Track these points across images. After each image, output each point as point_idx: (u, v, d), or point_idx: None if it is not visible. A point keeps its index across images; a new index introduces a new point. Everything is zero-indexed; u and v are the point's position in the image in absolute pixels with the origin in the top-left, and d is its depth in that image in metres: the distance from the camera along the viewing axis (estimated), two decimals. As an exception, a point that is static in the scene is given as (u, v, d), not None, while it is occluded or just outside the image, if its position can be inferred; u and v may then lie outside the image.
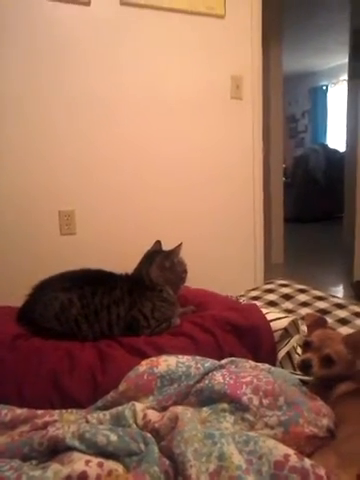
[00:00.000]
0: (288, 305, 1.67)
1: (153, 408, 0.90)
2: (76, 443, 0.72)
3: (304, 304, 1.66)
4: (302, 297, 1.71)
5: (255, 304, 1.31)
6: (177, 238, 1.37)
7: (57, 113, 2.01)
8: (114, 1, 2.11)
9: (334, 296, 1.75)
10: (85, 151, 2.06)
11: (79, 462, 0.67)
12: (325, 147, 6.98)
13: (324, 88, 8.06)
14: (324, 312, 1.50)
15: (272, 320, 1.17)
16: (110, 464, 0.69)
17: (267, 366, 1.00)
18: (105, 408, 0.94)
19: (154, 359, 1.02)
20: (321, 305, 1.60)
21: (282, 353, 1.15)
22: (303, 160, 7.05)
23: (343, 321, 1.47)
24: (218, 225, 2.46)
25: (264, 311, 1.21)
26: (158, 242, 1.35)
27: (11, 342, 1.06)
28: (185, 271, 1.30)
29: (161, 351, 1.08)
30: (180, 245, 1.29)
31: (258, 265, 2.59)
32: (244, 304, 1.33)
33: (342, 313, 1.53)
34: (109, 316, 1.16)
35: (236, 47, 2.46)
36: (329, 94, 7.96)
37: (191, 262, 1.36)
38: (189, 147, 2.36)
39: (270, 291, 1.82)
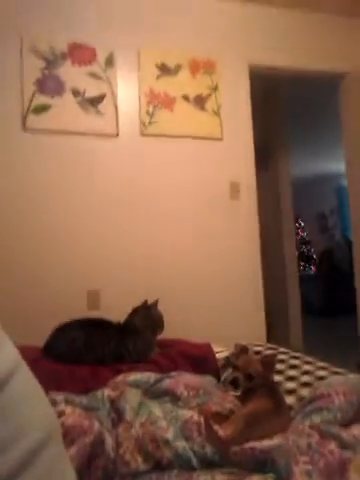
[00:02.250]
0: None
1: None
2: (64, 401, 1.20)
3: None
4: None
5: (209, 342, 1.76)
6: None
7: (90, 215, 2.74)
8: (136, 133, 2.92)
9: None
10: (111, 244, 2.74)
11: (62, 407, 1.14)
12: (348, 240, 7.35)
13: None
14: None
15: (218, 352, 1.62)
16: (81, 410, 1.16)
17: (202, 376, 1.44)
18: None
19: (127, 373, 1.49)
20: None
21: (224, 376, 1.57)
22: (328, 253, 7.42)
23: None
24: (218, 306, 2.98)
25: (214, 347, 1.66)
26: (145, 300, 1.87)
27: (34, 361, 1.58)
28: (161, 320, 1.79)
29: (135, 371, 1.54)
30: (157, 301, 1.81)
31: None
32: (200, 342, 1.77)
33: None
34: (103, 349, 1.66)
35: (233, 160, 3.18)
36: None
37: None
38: (196, 236, 3.01)
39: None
